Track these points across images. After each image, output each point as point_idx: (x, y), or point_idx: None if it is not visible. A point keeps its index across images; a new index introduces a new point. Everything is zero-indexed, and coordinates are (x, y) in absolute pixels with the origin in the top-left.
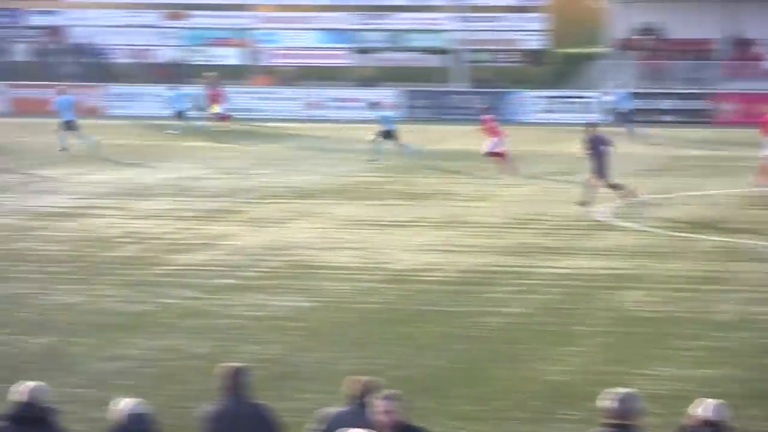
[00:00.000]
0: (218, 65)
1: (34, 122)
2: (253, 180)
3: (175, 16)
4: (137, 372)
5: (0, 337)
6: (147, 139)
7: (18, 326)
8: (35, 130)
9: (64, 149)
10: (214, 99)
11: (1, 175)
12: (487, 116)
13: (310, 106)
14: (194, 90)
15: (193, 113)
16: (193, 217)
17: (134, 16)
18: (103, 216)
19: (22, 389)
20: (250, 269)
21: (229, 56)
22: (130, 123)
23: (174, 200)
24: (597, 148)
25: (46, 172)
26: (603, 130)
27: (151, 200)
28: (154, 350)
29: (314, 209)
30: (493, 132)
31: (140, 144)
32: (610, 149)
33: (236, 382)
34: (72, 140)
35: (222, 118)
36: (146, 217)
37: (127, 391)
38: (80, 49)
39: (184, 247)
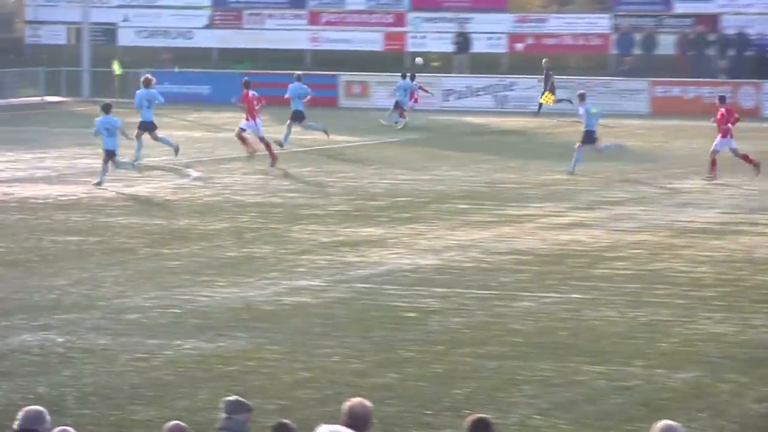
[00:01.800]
0: None
1: (676, 124)
2: None
3: None
4: None
5: (637, 371)
6: None
7: (658, 358)
8: (678, 134)
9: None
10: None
11: (642, 185)
12: None
13: None
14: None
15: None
16: None
17: None
18: (757, 234)
19: (659, 427)
20: None
21: None
22: None
23: None
24: None
25: (688, 183)
26: None
27: None
28: None
29: None
30: None
31: None
32: None
33: None
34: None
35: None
36: None
37: None
38: (734, 41)
39: None
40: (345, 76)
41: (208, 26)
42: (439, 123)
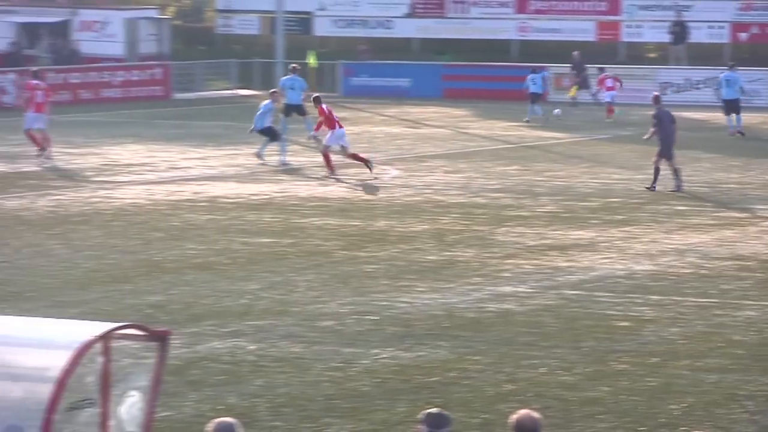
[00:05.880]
0: None
1: None
2: None
3: None
4: None
5: None
6: None
7: None
8: None
9: None
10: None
11: None
12: None
13: None
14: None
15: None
16: None
17: None
18: None
19: None
20: None
21: None
22: None
23: None
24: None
25: None
26: None
27: None
28: None
29: None
30: None
31: None
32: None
33: None
34: None
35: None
36: None
37: None
38: None
39: None
40: (555, 68)
41: (408, 15)
42: None
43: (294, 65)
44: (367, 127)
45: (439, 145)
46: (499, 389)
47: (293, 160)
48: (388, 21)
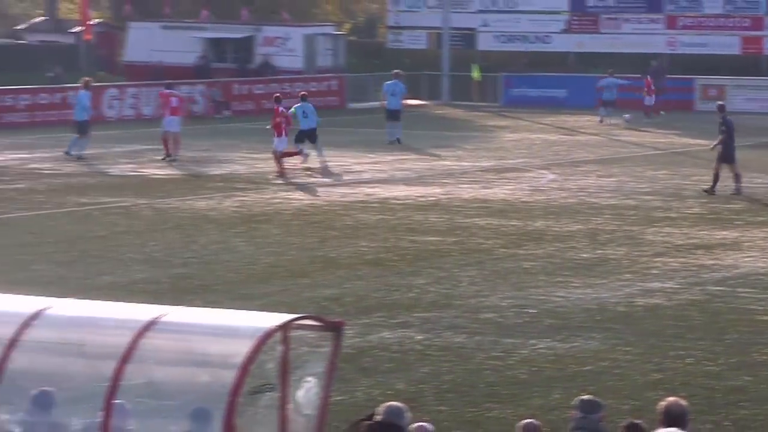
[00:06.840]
0: None
1: None
2: None
3: None
4: None
5: None
6: None
7: None
8: None
9: None
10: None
11: None
12: None
13: None
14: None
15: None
16: None
17: None
18: None
19: None
20: None
21: None
22: None
23: None
24: None
25: None
26: None
27: None
28: None
29: None
30: None
31: None
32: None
33: None
34: None
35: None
36: None
37: None
38: None
39: None
40: (701, 80)
41: (565, 31)
42: None
43: (397, 71)
44: (526, 134)
45: (593, 151)
46: (648, 378)
47: (441, 164)
48: (546, 36)
